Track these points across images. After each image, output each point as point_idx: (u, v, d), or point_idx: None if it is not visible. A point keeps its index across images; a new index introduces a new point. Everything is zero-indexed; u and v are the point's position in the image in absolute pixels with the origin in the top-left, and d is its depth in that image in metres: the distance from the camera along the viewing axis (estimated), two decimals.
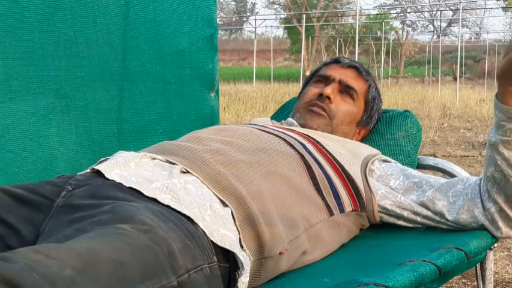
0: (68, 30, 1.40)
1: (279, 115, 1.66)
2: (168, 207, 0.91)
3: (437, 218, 1.19)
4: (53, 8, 1.36)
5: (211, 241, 0.90)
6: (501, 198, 1.11)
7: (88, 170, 1.04)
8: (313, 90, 1.46)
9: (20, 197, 0.94)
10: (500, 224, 1.13)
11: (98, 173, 1.00)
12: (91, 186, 0.96)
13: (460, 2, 14.10)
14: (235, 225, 0.96)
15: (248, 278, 0.93)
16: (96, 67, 1.47)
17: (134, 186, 0.95)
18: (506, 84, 1.06)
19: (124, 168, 1.01)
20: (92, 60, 1.46)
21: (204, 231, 0.89)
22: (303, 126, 1.40)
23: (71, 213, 0.89)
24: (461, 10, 14.54)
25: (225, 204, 0.98)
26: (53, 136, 1.38)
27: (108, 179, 0.98)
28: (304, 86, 1.55)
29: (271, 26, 36.04)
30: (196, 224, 0.90)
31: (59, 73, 1.40)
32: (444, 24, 31.52)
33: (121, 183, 0.96)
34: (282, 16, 31.73)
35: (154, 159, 1.06)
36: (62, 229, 0.84)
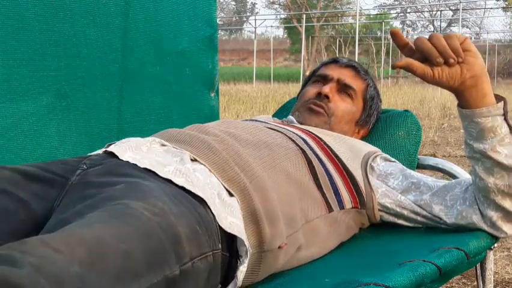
0: (68, 30, 1.40)
1: (279, 115, 1.66)
2: (182, 188, 0.91)
3: (437, 219, 1.19)
4: (53, 8, 1.36)
5: (219, 227, 0.90)
6: (508, 203, 1.10)
7: (100, 152, 1.05)
8: (311, 90, 1.46)
9: (31, 174, 0.95)
10: (505, 228, 1.13)
11: (111, 155, 1.01)
12: (106, 165, 0.97)
13: (460, 2, 14.11)
14: (240, 215, 0.97)
15: (246, 268, 0.93)
16: (96, 67, 1.47)
17: (148, 167, 0.96)
18: (472, 88, 1.05)
19: (136, 151, 1.02)
20: (92, 60, 1.45)
21: (214, 215, 0.90)
22: (302, 124, 1.41)
23: (86, 190, 0.90)
24: (461, 10, 14.55)
25: (231, 194, 0.99)
26: (53, 136, 1.38)
27: (122, 160, 0.99)
28: (303, 86, 1.55)
29: (271, 26, 36.09)
30: (207, 207, 0.90)
31: (59, 73, 1.40)
32: (444, 24, 31.52)
33: (136, 164, 0.97)
34: (282, 16, 31.75)
35: (163, 145, 1.07)
36: (76, 204, 0.85)
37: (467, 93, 1.06)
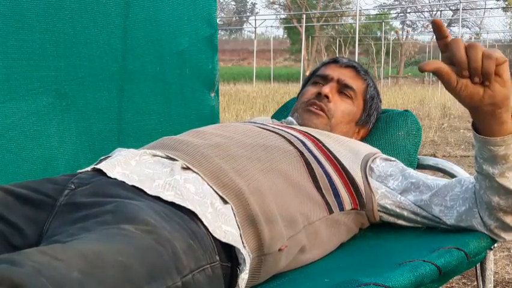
0: (68, 30, 1.40)
1: (279, 115, 1.66)
2: (172, 203, 0.91)
3: (436, 220, 1.19)
4: (53, 8, 1.37)
5: (213, 239, 0.90)
6: (509, 219, 1.10)
7: (89, 169, 1.04)
8: (311, 90, 1.46)
9: (23, 196, 0.94)
10: (503, 235, 1.13)
11: (100, 172, 1.00)
12: (93, 184, 0.96)
13: (460, 2, 14.11)
14: (236, 221, 0.96)
15: (248, 275, 0.93)
16: (96, 67, 1.47)
17: (136, 185, 0.95)
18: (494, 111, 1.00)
19: (125, 166, 1.01)
20: (92, 60, 1.46)
21: (207, 228, 0.90)
22: (301, 125, 1.41)
23: (75, 212, 0.89)
24: (461, 10, 14.56)
25: (225, 201, 0.98)
26: (53, 136, 1.38)
27: (110, 178, 0.97)
28: (303, 86, 1.55)
29: (271, 26, 35.94)
30: (199, 221, 0.90)
31: (59, 73, 1.40)
32: (444, 24, 31.45)
33: (124, 182, 0.96)
34: (282, 16, 31.75)
35: (154, 156, 1.06)
36: (66, 228, 0.84)
37: (483, 117, 1.01)
